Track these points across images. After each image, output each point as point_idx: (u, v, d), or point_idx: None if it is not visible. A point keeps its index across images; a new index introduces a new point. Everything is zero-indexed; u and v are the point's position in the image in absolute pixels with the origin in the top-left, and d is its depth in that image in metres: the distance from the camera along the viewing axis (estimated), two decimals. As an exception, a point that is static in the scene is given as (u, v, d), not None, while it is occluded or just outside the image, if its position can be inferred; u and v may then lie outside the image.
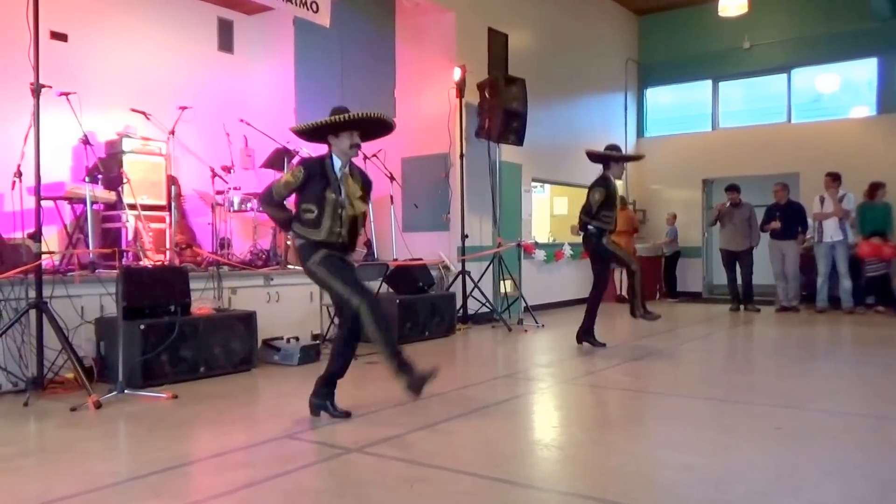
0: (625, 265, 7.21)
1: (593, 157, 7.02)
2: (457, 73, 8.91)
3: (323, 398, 4.37)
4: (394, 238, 9.01)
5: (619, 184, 7.16)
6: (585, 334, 7.19)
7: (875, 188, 10.17)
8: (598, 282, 7.17)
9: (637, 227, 12.09)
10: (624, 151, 7.15)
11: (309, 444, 3.88)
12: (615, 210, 6.94)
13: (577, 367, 6.31)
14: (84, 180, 6.79)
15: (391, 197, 9.01)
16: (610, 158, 6.89)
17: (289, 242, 4.33)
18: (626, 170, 6.93)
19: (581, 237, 7.16)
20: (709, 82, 13.08)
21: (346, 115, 4.13)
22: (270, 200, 4.31)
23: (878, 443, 3.85)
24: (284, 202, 4.34)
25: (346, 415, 4.33)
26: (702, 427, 4.19)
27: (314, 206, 4.14)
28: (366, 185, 4.42)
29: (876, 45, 11.44)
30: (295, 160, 8.56)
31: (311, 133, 4.31)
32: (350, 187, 4.24)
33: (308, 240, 4.18)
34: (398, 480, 3.23)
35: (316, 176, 4.17)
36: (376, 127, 4.36)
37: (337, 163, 4.24)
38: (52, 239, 7.12)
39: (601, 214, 6.85)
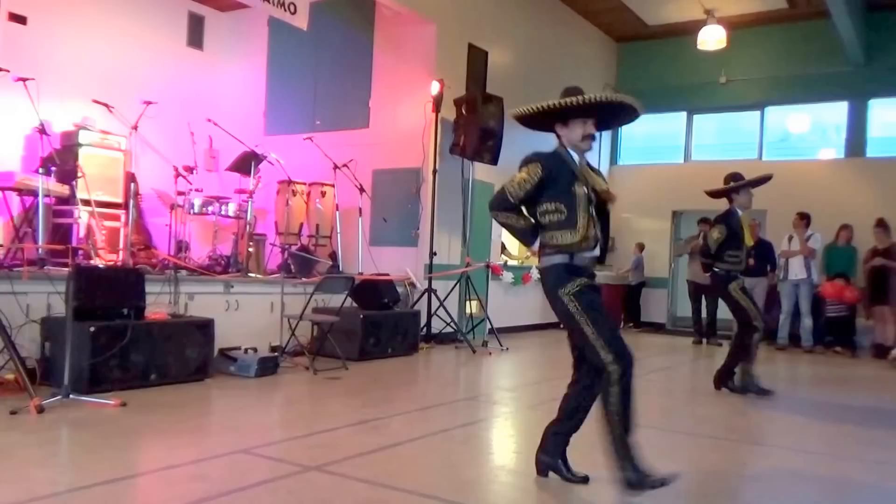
0: (746, 320, 6.18)
1: (716, 195, 6.37)
2: (434, 87, 8.80)
3: (554, 455, 3.53)
4: (360, 251, 8.83)
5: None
6: (723, 378, 6.38)
7: (840, 230, 10.34)
8: (740, 324, 6.24)
9: None
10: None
11: (266, 459, 3.69)
12: (743, 248, 6.15)
13: (541, 392, 6.21)
14: (37, 171, 6.48)
15: (360, 209, 8.84)
16: (731, 191, 6.17)
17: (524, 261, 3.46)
18: (752, 195, 6.23)
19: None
20: (683, 114, 13.19)
21: (581, 98, 3.29)
22: (505, 204, 3.45)
23: (838, 482, 3.89)
24: (522, 208, 3.50)
25: (584, 479, 3.50)
26: (665, 460, 4.10)
27: (563, 204, 3.36)
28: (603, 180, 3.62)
29: (847, 89, 11.67)
30: (269, 165, 8.39)
31: (535, 119, 3.53)
32: (595, 180, 3.47)
33: (561, 255, 3.37)
34: (359, 501, 3.11)
35: (556, 170, 3.40)
36: (617, 113, 3.54)
37: (573, 155, 3.48)
38: (-4, 231, 6.81)
39: (726, 255, 6.11)
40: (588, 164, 3.54)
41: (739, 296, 6.15)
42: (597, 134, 3.52)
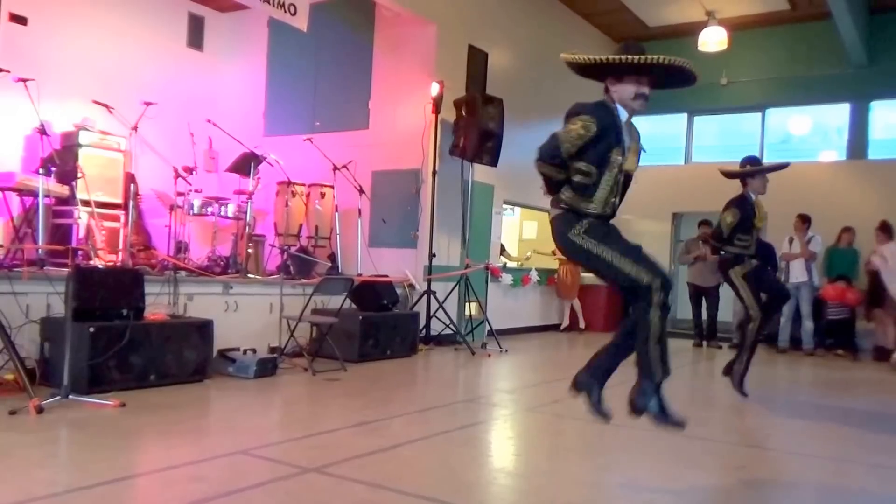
0: (743, 308, 6.21)
1: (730, 176, 6.31)
2: (434, 89, 8.78)
3: (594, 378, 3.47)
4: (359, 252, 8.81)
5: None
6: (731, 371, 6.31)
7: (842, 233, 10.36)
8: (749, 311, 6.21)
9: None
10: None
11: (264, 461, 3.67)
12: (754, 232, 6.10)
13: (541, 394, 6.20)
14: (37, 172, 6.47)
15: (359, 210, 8.83)
16: (746, 175, 6.09)
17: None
18: (768, 181, 6.14)
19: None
20: (684, 115, 13.15)
21: (642, 58, 3.21)
22: (555, 156, 3.34)
23: (837, 485, 3.88)
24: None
25: (608, 416, 3.47)
26: (665, 462, 4.11)
27: (594, 167, 3.28)
28: (640, 144, 3.54)
29: (849, 91, 11.65)
30: (264, 166, 8.38)
31: (586, 69, 3.44)
32: (633, 145, 3.40)
33: (573, 209, 3.34)
34: (357, 503, 3.08)
35: (605, 128, 3.29)
36: (672, 77, 3.42)
37: (622, 114, 3.36)
38: (-4, 231, 6.80)
39: (735, 238, 6.06)
40: (631, 124, 3.45)
41: (739, 282, 6.10)
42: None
